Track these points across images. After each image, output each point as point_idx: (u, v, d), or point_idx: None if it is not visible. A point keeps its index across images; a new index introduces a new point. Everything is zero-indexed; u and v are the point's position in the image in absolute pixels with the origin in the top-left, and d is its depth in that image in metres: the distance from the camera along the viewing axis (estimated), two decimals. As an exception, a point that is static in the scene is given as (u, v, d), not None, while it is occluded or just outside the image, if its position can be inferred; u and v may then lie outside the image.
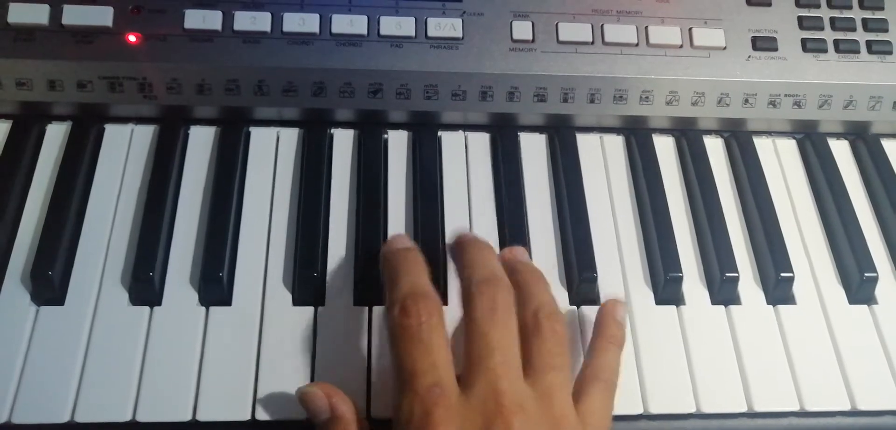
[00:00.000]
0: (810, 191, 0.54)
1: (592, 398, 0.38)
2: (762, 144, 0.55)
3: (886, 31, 0.54)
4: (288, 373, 0.43)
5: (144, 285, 0.44)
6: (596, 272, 0.47)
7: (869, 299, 0.49)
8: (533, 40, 0.51)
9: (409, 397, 0.35)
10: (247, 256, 0.47)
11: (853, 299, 0.49)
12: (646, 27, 0.52)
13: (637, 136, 0.54)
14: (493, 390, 0.35)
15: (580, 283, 0.47)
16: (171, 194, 0.48)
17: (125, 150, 0.51)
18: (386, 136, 0.53)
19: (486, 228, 0.49)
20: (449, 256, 0.45)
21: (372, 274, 0.45)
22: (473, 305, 0.38)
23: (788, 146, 0.56)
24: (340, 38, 0.50)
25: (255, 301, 0.45)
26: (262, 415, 0.42)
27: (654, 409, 0.44)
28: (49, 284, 0.44)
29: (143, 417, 0.41)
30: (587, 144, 0.54)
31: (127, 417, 0.41)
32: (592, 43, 0.52)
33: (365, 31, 0.50)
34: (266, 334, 0.44)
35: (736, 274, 0.48)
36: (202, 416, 0.41)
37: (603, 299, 0.47)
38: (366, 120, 0.53)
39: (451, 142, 0.53)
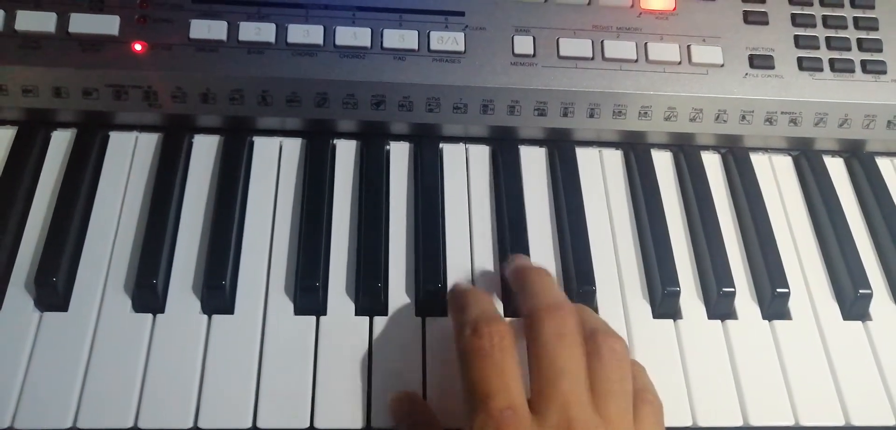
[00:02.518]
0: (806, 207, 0.55)
1: (648, 421, 0.39)
2: (759, 161, 0.56)
3: (881, 50, 0.55)
4: (289, 382, 0.43)
5: (147, 292, 0.45)
6: (594, 285, 0.48)
7: (863, 316, 0.50)
8: (534, 55, 0.52)
9: (482, 417, 0.35)
10: (249, 265, 0.47)
11: (848, 315, 0.50)
12: (645, 44, 0.53)
13: (636, 150, 0.55)
14: (564, 416, 0.36)
15: (579, 296, 0.47)
16: (175, 202, 0.49)
17: (129, 157, 0.51)
18: (388, 147, 0.54)
19: (486, 239, 0.50)
20: (509, 280, 0.46)
21: (373, 285, 0.46)
22: (541, 329, 0.38)
23: (784, 163, 0.57)
24: (344, 50, 0.51)
25: (257, 310, 0.45)
26: (263, 424, 0.42)
27: (651, 422, 0.44)
28: (53, 290, 0.44)
29: (144, 424, 0.41)
30: (586, 159, 0.54)
31: (129, 424, 0.41)
32: (592, 58, 0.52)
33: (368, 44, 0.51)
34: (267, 343, 0.44)
35: (732, 289, 0.48)
36: (203, 424, 0.42)
37: (601, 312, 0.48)
38: (368, 131, 0.53)
39: (452, 154, 0.53)
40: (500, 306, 0.47)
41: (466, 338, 0.38)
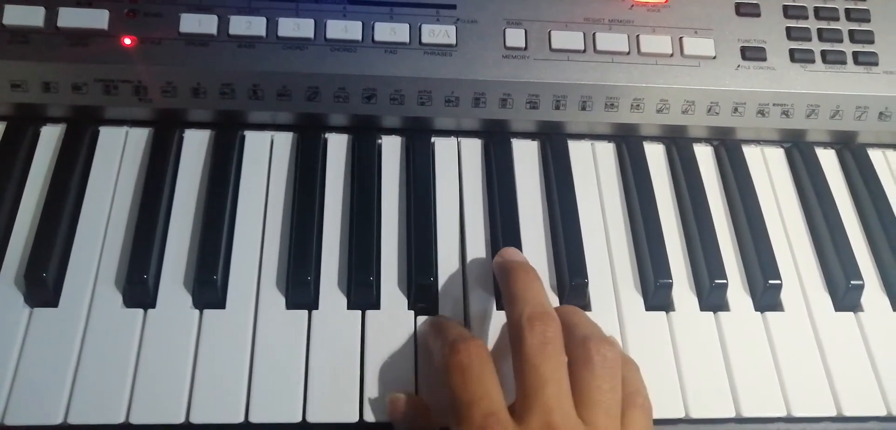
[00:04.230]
0: (798, 199, 0.55)
1: (636, 426, 0.39)
2: (751, 153, 0.56)
3: (872, 42, 0.55)
4: (281, 376, 0.43)
5: (138, 287, 0.45)
6: (586, 278, 0.48)
7: (855, 307, 0.50)
8: (526, 48, 0.52)
9: (465, 426, 0.36)
10: (240, 259, 0.47)
11: (839, 306, 0.50)
12: (637, 36, 0.53)
13: (628, 143, 0.55)
14: (546, 423, 0.36)
15: (571, 288, 0.47)
16: (166, 197, 0.49)
17: (119, 152, 0.51)
18: (380, 141, 0.53)
19: (479, 233, 0.50)
20: (495, 274, 0.46)
21: (365, 279, 0.46)
22: (524, 339, 0.39)
23: (777, 155, 0.57)
24: (335, 44, 0.51)
25: (249, 305, 0.45)
26: (255, 418, 0.42)
27: (644, 413, 0.44)
28: (43, 285, 0.44)
29: (136, 419, 0.41)
30: (579, 151, 0.54)
31: (120, 419, 0.41)
32: (584, 51, 0.52)
33: (359, 37, 0.51)
34: (259, 337, 0.44)
35: (724, 281, 0.48)
36: (195, 418, 0.42)
37: (594, 305, 0.48)
38: (360, 125, 0.53)
39: (444, 148, 0.53)
40: (493, 301, 0.47)
41: (446, 356, 0.39)
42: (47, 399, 0.41)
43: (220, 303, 0.45)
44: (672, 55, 0.53)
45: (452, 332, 0.41)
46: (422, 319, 0.46)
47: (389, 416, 0.42)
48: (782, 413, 0.45)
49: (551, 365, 0.38)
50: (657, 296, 0.48)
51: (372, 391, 0.43)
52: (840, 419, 0.46)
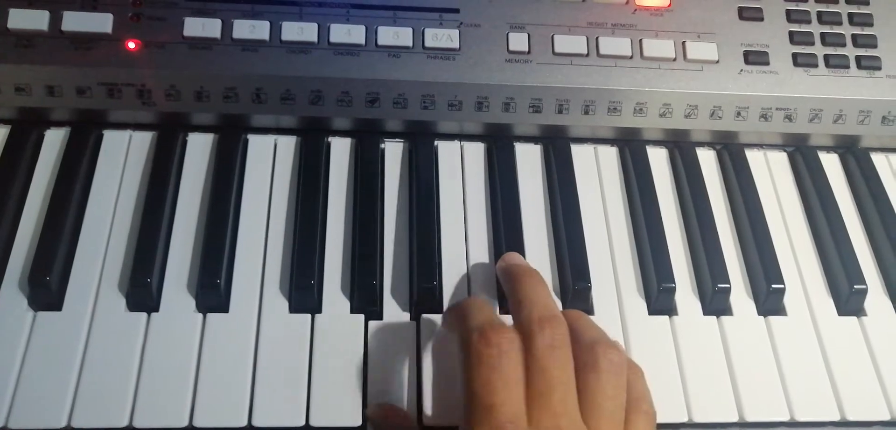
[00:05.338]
0: (801, 203, 0.55)
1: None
2: (754, 157, 0.56)
3: (875, 46, 0.55)
4: (284, 380, 0.43)
5: (142, 290, 0.45)
6: (590, 282, 0.48)
7: (858, 311, 0.50)
8: (529, 52, 0.52)
9: (484, 428, 0.36)
10: (244, 263, 0.47)
11: (842, 310, 0.50)
12: (640, 40, 0.53)
13: (631, 147, 0.55)
14: (555, 427, 0.36)
15: (574, 293, 0.47)
16: (169, 201, 0.49)
17: (123, 156, 0.51)
18: (383, 145, 0.53)
19: (482, 237, 0.50)
20: (500, 278, 0.46)
21: (368, 282, 0.46)
22: (534, 342, 0.38)
23: (779, 159, 0.57)
24: (338, 48, 0.51)
25: (252, 308, 0.45)
26: (258, 421, 0.42)
27: (647, 418, 0.44)
28: (47, 289, 0.44)
29: (139, 423, 0.41)
30: (582, 155, 0.54)
31: (124, 422, 0.41)
32: (587, 55, 0.52)
33: (363, 41, 0.51)
34: (262, 341, 0.44)
35: (727, 285, 0.48)
36: (198, 422, 0.42)
37: (597, 309, 0.48)
38: (363, 129, 0.53)
39: (447, 151, 0.53)
40: (496, 305, 0.47)
41: (475, 343, 0.38)
42: (50, 403, 0.41)
43: (223, 307, 0.45)
44: (675, 59, 0.53)
45: (481, 316, 0.39)
46: (424, 320, 0.46)
47: (371, 425, 0.42)
48: (786, 418, 0.45)
49: (560, 368, 0.38)
50: (660, 300, 0.48)
51: (375, 394, 0.43)
52: (843, 423, 0.46)
